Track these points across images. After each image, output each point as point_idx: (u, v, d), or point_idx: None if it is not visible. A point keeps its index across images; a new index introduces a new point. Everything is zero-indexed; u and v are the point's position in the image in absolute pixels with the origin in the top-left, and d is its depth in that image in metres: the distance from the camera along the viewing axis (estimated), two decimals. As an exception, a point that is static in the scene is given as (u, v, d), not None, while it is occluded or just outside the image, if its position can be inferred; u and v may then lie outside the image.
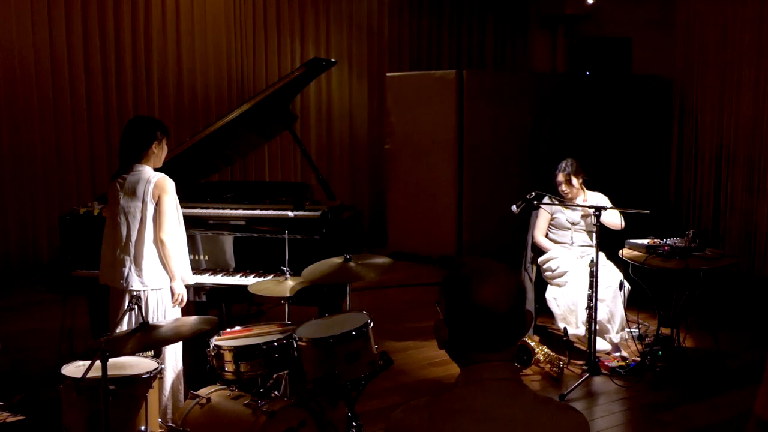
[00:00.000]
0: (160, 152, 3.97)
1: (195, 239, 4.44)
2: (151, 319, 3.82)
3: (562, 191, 5.36)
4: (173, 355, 3.92)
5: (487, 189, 7.62)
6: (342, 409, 3.72)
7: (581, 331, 5.23)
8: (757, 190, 6.41)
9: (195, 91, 7.71)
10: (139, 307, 3.26)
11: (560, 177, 5.36)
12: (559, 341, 5.31)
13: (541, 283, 5.47)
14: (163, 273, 3.89)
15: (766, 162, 6.34)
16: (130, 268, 3.82)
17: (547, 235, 5.52)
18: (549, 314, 5.41)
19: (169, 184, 3.86)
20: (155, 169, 3.94)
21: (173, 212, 3.88)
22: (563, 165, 5.38)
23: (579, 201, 5.41)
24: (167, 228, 3.83)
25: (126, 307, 3.48)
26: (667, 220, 6.61)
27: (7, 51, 6.64)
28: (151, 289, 3.86)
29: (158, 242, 3.83)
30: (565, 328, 5.18)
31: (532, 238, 5.55)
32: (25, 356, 4.97)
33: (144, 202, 3.82)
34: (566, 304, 5.22)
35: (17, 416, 3.54)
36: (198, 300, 4.44)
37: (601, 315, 5.17)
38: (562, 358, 5.00)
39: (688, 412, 4.44)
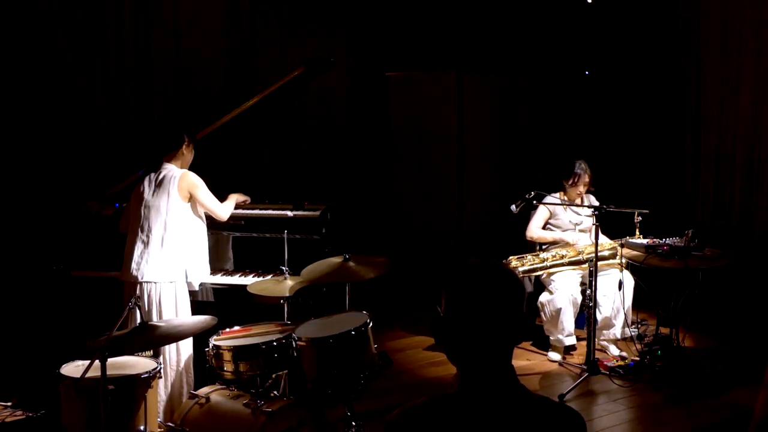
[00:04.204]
0: (189, 155, 4.19)
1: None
2: (164, 312, 3.89)
3: (579, 192, 5.33)
4: (174, 355, 3.93)
5: (487, 189, 7.62)
6: (341, 409, 3.72)
7: (566, 340, 5.23)
8: (756, 189, 6.40)
9: (194, 93, 7.69)
10: (139, 307, 3.27)
11: (586, 178, 5.31)
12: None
13: (539, 286, 5.46)
14: (178, 267, 3.98)
15: (766, 160, 6.34)
16: (146, 260, 3.92)
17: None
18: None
19: (195, 178, 4.06)
20: None
21: (212, 197, 4.10)
22: (583, 166, 5.34)
23: (577, 202, 5.41)
24: (220, 210, 4.13)
25: (128, 306, 3.49)
26: (671, 218, 6.59)
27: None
28: (165, 282, 3.93)
29: (173, 233, 3.96)
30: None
31: (526, 233, 5.52)
32: (24, 355, 4.96)
33: (169, 196, 3.98)
34: (550, 312, 5.22)
35: (16, 416, 3.53)
36: (197, 300, 4.44)
37: (607, 311, 5.18)
38: None
39: (687, 412, 4.44)
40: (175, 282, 3.96)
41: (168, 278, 3.93)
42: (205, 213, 4.16)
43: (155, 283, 3.91)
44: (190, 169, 4.18)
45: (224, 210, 4.18)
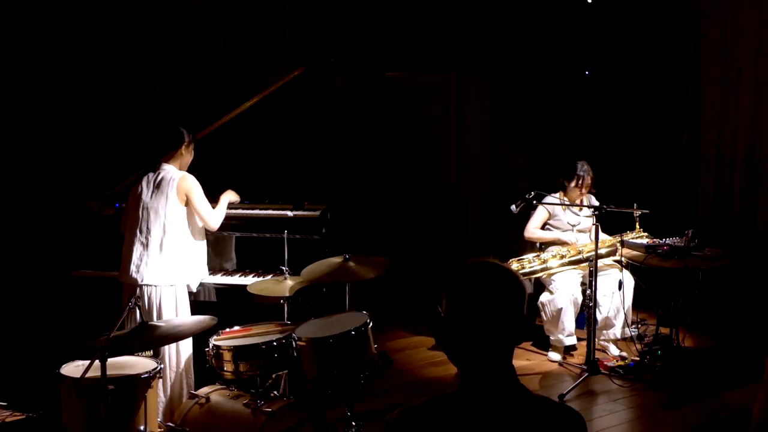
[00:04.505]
0: (188, 155, 4.12)
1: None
2: (164, 316, 3.89)
3: (581, 193, 5.33)
4: (174, 355, 3.92)
5: (487, 189, 7.62)
6: (341, 409, 3.72)
7: (567, 340, 5.23)
8: (756, 189, 6.40)
9: (194, 92, 7.68)
10: (139, 307, 3.26)
11: (588, 180, 5.30)
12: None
13: (539, 286, 5.46)
14: (179, 270, 3.95)
15: (766, 160, 6.34)
16: (146, 262, 3.90)
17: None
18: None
19: (193, 182, 3.99)
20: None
21: (206, 204, 4.03)
22: (586, 167, 5.32)
23: (577, 202, 5.41)
24: (211, 218, 4.03)
25: (128, 307, 3.50)
26: (671, 218, 6.59)
27: None
28: (165, 285, 3.91)
29: (173, 236, 3.92)
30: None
31: (524, 233, 5.51)
32: (24, 355, 4.96)
33: (168, 200, 3.92)
34: (551, 312, 5.22)
35: (17, 416, 3.54)
36: (199, 300, 4.44)
37: (607, 311, 5.18)
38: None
39: (687, 412, 4.44)
40: (176, 285, 3.94)
41: (168, 281, 3.91)
42: None
43: (155, 286, 3.89)
44: (189, 169, 4.16)
45: (215, 219, 4.09)
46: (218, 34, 7.65)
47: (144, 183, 4.00)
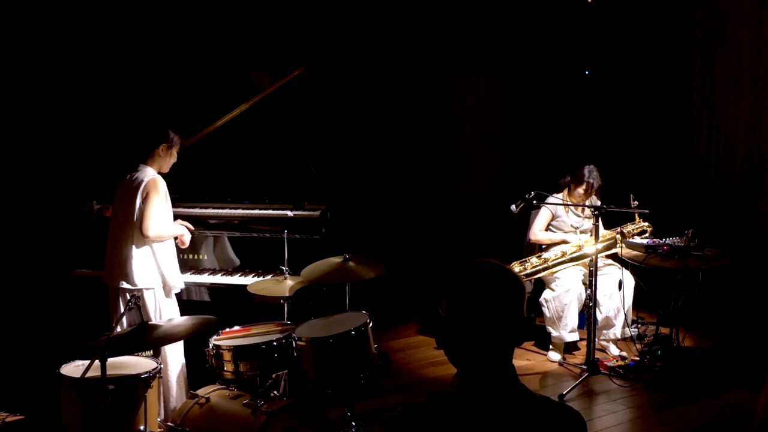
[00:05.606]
0: (167, 156, 3.95)
1: (194, 239, 4.44)
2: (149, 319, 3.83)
3: (583, 198, 5.32)
4: (173, 355, 3.92)
5: (488, 188, 7.63)
6: (341, 409, 3.72)
7: (569, 336, 5.23)
8: (756, 189, 6.41)
9: (195, 91, 7.68)
10: (139, 307, 3.26)
11: (596, 185, 5.24)
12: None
13: (539, 286, 5.46)
14: (154, 273, 3.89)
15: (766, 160, 6.34)
16: (122, 267, 3.85)
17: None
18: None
19: (159, 184, 3.85)
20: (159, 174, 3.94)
21: (158, 211, 3.83)
22: (595, 174, 5.26)
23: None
24: (151, 224, 3.77)
25: (126, 308, 3.49)
26: (671, 218, 6.60)
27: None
28: (145, 289, 3.87)
29: (140, 238, 3.82)
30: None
31: (530, 236, 5.52)
32: (23, 355, 4.97)
33: (136, 204, 3.82)
34: (555, 309, 5.22)
35: (17, 416, 3.54)
36: (197, 299, 4.44)
37: (608, 311, 5.18)
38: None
39: (687, 412, 4.44)
40: (154, 288, 3.90)
41: (145, 285, 3.86)
42: (173, 215, 4.02)
43: (135, 289, 3.85)
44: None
45: (155, 229, 3.80)
46: (221, 32, 7.64)
47: (123, 184, 3.92)
